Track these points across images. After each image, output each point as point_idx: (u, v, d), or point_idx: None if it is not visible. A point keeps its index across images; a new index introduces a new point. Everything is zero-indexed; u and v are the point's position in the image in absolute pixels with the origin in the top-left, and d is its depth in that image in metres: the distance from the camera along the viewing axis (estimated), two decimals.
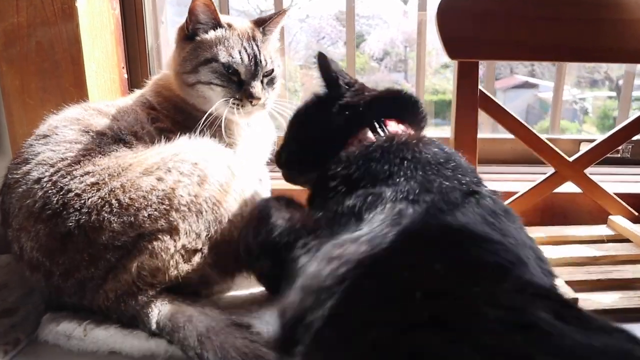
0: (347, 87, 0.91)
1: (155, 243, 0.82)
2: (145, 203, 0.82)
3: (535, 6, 1.06)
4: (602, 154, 1.13)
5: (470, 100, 1.09)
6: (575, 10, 1.05)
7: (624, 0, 1.04)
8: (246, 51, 1.02)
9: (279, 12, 1.09)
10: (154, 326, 0.80)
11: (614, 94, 3.63)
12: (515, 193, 1.16)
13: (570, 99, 3.79)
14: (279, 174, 1.27)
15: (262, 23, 1.08)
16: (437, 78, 3.43)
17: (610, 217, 1.14)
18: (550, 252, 1.00)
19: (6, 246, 0.98)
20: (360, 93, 0.91)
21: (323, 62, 0.92)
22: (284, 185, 1.22)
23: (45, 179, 0.85)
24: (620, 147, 1.26)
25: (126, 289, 0.82)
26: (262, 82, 1.04)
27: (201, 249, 0.87)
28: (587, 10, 1.05)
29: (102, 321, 0.84)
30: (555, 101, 1.55)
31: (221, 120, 1.02)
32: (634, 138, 1.23)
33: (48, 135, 0.92)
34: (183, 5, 1.72)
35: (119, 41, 1.34)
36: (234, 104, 1.01)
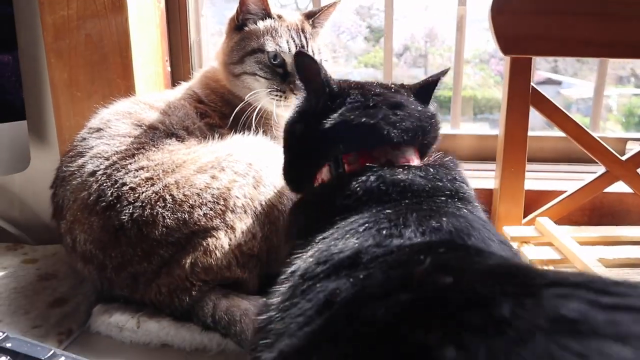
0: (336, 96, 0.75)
1: (209, 240, 0.82)
2: (200, 201, 0.82)
3: (587, 3, 1.03)
4: None
5: (522, 96, 1.07)
6: (627, 8, 1.02)
7: None
8: (294, 42, 1.02)
9: (330, 5, 1.08)
10: (209, 319, 0.80)
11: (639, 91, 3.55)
12: (563, 192, 1.14)
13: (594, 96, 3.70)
14: None
15: (312, 16, 1.08)
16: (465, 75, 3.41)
17: None
18: (603, 253, 0.98)
19: (55, 237, 1.00)
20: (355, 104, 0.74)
21: (303, 61, 0.76)
22: None
23: (100, 172, 0.86)
24: None
25: (179, 284, 0.82)
26: None
27: (257, 254, 0.86)
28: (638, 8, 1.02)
29: (154, 313, 0.85)
30: (597, 100, 1.51)
31: (268, 113, 1.02)
32: None
33: (101, 129, 0.93)
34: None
35: (163, 34, 1.35)
36: (276, 95, 1.01)
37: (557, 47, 1.07)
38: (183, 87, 1.11)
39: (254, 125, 1.02)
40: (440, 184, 0.67)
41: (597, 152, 1.10)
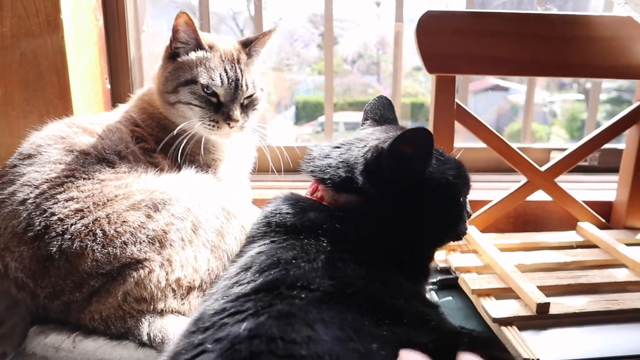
0: None
1: (142, 272, 0.82)
2: (133, 239, 0.83)
3: (508, 24, 1.10)
4: (572, 164, 1.18)
5: (448, 112, 1.13)
6: (547, 28, 1.10)
7: (592, 19, 1.09)
8: (227, 74, 1.03)
9: (266, 32, 1.10)
10: (144, 337, 0.82)
11: (582, 96, 3.74)
12: (489, 201, 1.21)
13: (540, 102, 3.89)
14: (260, 184, 1.31)
15: (248, 44, 1.09)
16: (410, 80, 3.50)
17: (579, 223, 1.19)
18: (523, 258, 1.05)
19: None
20: None
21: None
22: (265, 195, 1.26)
23: (29, 201, 0.86)
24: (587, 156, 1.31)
25: (112, 311, 0.83)
26: (241, 104, 1.06)
27: (200, 286, 0.87)
28: (558, 28, 1.09)
29: (90, 332, 0.86)
30: (527, 108, 1.60)
31: (201, 140, 1.04)
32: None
33: (33, 155, 0.93)
34: (166, 14, 1.74)
35: (102, 52, 1.35)
36: (211, 125, 1.03)
37: (478, 66, 1.13)
38: (120, 110, 1.11)
39: (187, 150, 1.04)
40: None
41: (518, 164, 1.18)
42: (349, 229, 0.71)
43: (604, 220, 1.22)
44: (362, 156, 0.75)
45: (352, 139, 0.80)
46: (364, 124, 0.90)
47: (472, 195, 1.28)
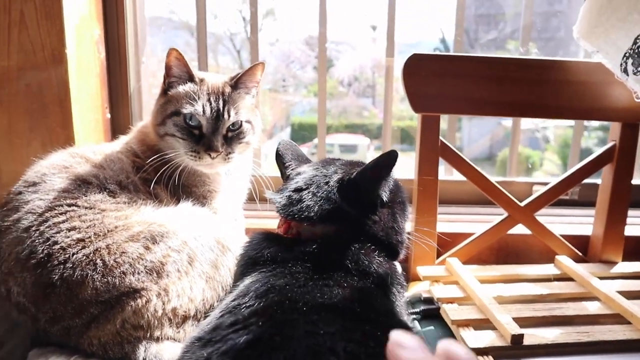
0: None
1: (139, 301, 0.87)
2: (132, 270, 0.88)
3: (488, 68, 1.17)
4: (551, 199, 1.24)
5: (433, 149, 1.19)
6: (524, 72, 1.17)
7: (567, 64, 1.16)
8: (210, 104, 1.08)
9: (252, 67, 1.14)
10: None
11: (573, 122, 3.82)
12: (472, 234, 1.26)
13: (533, 127, 3.97)
14: (252, 213, 1.36)
15: (234, 78, 1.14)
16: (405, 104, 3.57)
17: (556, 257, 1.25)
18: (502, 290, 1.10)
19: None
20: None
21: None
22: (258, 224, 1.31)
23: (33, 228, 0.91)
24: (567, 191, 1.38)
25: (110, 337, 0.87)
26: (225, 136, 1.10)
27: (195, 315, 0.91)
28: (534, 72, 1.16)
29: (89, 356, 0.89)
30: (514, 141, 1.66)
31: (192, 170, 1.10)
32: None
33: (37, 183, 0.98)
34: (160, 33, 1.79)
35: (103, 83, 1.41)
36: (192, 155, 1.08)
37: (460, 107, 1.20)
38: (121, 141, 1.17)
39: (183, 182, 1.10)
40: None
41: (498, 199, 1.23)
42: (328, 255, 0.79)
43: (580, 254, 1.27)
44: (333, 189, 0.85)
45: (310, 179, 0.89)
46: (289, 164, 0.97)
47: (458, 228, 1.34)
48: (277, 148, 1.01)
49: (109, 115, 1.44)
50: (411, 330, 0.75)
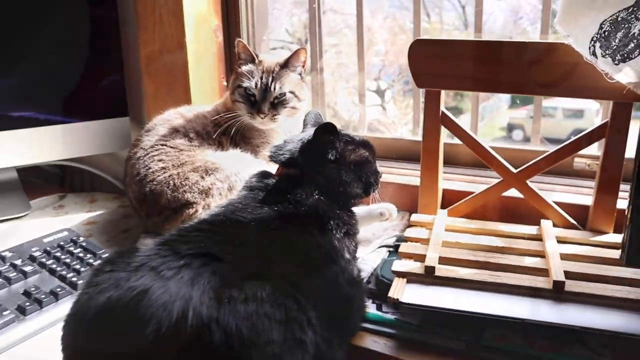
0: None
1: (192, 209, 1.39)
2: (190, 190, 1.39)
3: (483, 50, 1.35)
4: (544, 167, 1.36)
5: (435, 118, 1.43)
6: (513, 53, 1.32)
7: (560, 46, 1.27)
8: (261, 80, 1.53)
9: (296, 50, 1.55)
10: None
11: None
12: (471, 193, 1.47)
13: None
14: None
15: (284, 60, 1.57)
16: None
17: (541, 220, 1.38)
18: (466, 239, 1.30)
19: None
20: None
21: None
22: None
23: (141, 158, 1.49)
24: (588, 162, 1.46)
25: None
26: (272, 102, 1.54)
27: None
28: (523, 53, 1.30)
29: None
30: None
31: (248, 126, 1.55)
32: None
33: (150, 130, 1.57)
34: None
35: (220, 59, 1.93)
36: (249, 116, 1.54)
37: (458, 83, 1.40)
38: (214, 104, 1.69)
39: (244, 133, 1.58)
40: None
41: (493, 164, 1.42)
42: (279, 186, 1.17)
43: (573, 222, 1.38)
44: (299, 145, 1.22)
45: (292, 138, 1.27)
46: (304, 130, 1.34)
47: (463, 187, 1.56)
48: (304, 118, 1.40)
49: (225, 83, 1.97)
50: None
